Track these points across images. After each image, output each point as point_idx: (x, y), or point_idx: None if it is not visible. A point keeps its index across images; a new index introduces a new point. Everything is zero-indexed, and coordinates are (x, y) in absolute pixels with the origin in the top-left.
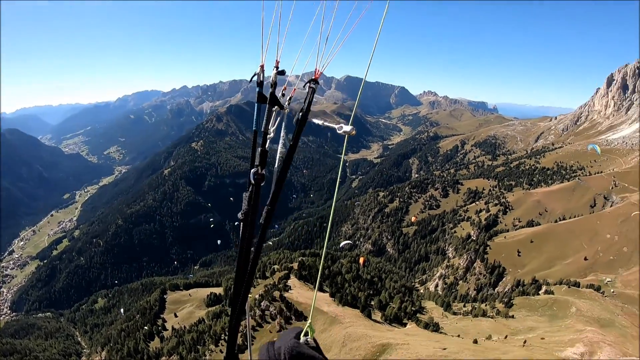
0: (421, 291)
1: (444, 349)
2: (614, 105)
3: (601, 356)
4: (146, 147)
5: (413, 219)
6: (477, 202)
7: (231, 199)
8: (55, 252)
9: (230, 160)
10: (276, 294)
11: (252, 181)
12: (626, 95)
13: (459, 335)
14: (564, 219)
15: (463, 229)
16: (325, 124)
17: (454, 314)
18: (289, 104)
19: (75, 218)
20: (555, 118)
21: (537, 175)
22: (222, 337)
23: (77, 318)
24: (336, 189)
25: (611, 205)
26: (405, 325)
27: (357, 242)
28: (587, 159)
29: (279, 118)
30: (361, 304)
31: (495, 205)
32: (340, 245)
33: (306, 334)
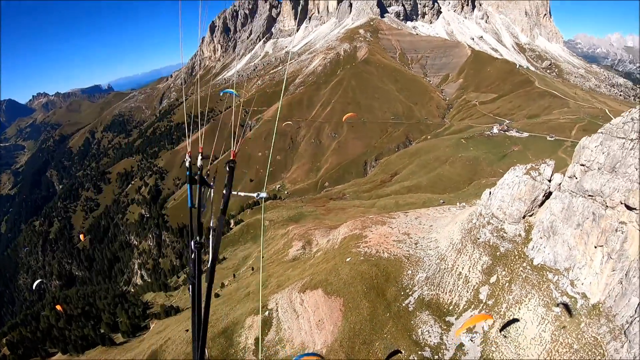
0: (132, 290)
1: (187, 330)
2: (222, 48)
3: (318, 238)
4: None
5: (82, 237)
6: (133, 182)
7: None
8: None
9: None
10: None
11: (194, 249)
12: (230, 36)
13: None
14: (216, 158)
15: (133, 213)
16: (245, 194)
17: (175, 289)
18: (213, 182)
19: None
20: (171, 76)
21: (175, 132)
22: None
23: None
24: None
25: (250, 130)
26: (148, 327)
27: (44, 285)
28: (214, 100)
29: (208, 194)
30: (96, 338)
31: (151, 176)
32: (34, 288)
33: None
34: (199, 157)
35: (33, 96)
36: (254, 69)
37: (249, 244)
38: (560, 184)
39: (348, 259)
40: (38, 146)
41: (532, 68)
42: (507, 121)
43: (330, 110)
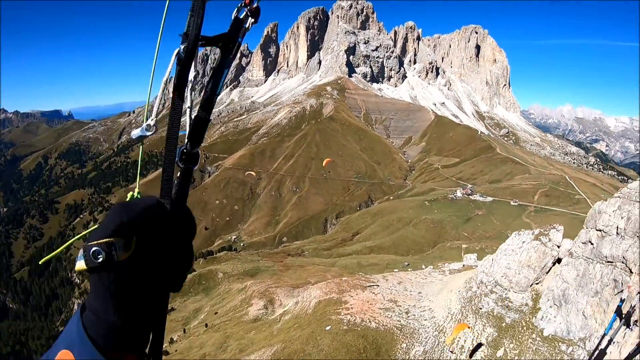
0: None
1: None
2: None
3: (281, 298)
4: None
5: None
6: (82, 216)
7: None
8: None
9: None
10: None
11: None
12: (197, 79)
13: None
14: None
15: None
16: None
17: None
18: None
19: None
20: (134, 112)
21: (132, 170)
22: None
23: None
24: None
25: (209, 176)
26: None
27: None
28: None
29: None
30: None
31: (101, 212)
32: None
33: None
34: None
35: None
36: (218, 115)
37: (200, 296)
38: (570, 250)
39: (328, 328)
40: None
41: (491, 135)
42: (471, 185)
43: (293, 163)
